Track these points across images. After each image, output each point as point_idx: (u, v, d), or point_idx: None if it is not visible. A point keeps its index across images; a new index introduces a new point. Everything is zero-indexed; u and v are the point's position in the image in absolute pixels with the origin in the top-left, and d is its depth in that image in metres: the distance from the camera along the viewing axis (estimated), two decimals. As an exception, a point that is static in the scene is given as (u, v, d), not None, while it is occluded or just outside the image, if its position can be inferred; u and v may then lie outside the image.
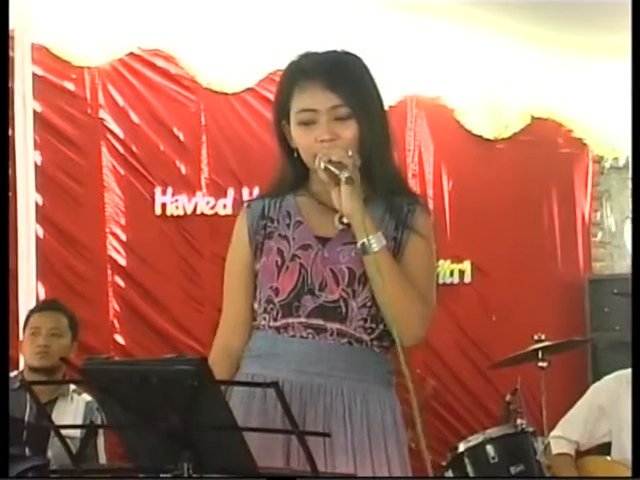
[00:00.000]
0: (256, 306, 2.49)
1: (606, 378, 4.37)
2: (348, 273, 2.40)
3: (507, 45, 6.45)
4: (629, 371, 4.06)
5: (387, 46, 5.87)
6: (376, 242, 2.35)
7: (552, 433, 4.29)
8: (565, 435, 4.19)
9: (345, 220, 2.42)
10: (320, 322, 2.40)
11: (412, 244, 2.44)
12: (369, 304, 2.41)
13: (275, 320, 2.44)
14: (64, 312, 4.33)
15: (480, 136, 6.75)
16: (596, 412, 4.11)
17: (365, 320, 2.41)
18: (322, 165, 2.36)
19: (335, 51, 2.50)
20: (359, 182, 2.38)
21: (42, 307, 4.40)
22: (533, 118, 6.90)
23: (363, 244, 2.35)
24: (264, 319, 2.47)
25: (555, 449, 4.20)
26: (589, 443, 4.31)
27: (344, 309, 2.40)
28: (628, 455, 3.92)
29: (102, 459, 3.94)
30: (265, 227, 2.50)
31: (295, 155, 2.49)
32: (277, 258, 2.45)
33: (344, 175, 2.33)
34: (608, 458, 4.32)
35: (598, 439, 4.28)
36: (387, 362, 2.49)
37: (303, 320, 2.41)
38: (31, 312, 4.36)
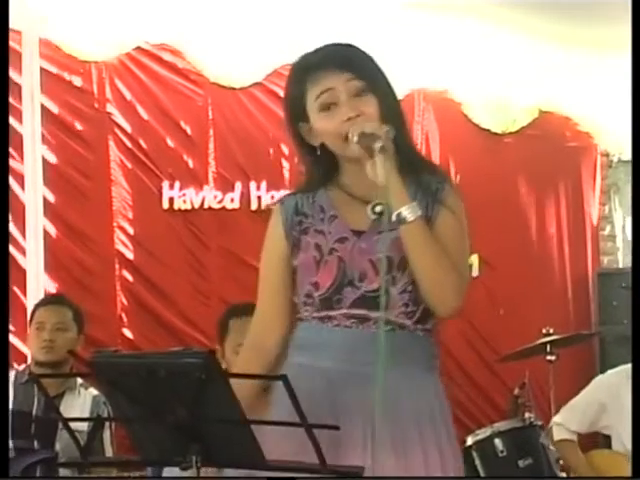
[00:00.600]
0: (296, 300, 2.51)
1: (609, 373, 4.36)
2: (387, 261, 2.40)
3: (514, 39, 6.44)
4: (630, 366, 4.07)
5: (394, 40, 5.86)
6: (411, 212, 2.36)
7: (554, 418, 4.29)
8: (565, 424, 4.20)
9: (377, 209, 2.43)
10: (363, 312, 2.42)
11: (442, 219, 2.45)
12: (409, 288, 2.42)
13: (318, 312, 2.46)
14: (69, 306, 4.32)
15: (487, 130, 6.74)
16: (596, 407, 4.11)
17: (406, 305, 2.43)
18: (355, 138, 2.37)
19: (334, 43, 2.52)
20: (393, 153, 2.38)
21: (46, 301, 4.39)
22: (541, 112, 6.89)
23: (399, 214, 2.36)
24: (306, 311, 2.49)
25: (556, 435, 4.21)
26: (589, 431, 4.31)
27: (385, 297, 2.40)
28: (629, 448, 3.92)
29: (108, 452, 3.94)
30: (300, 223, 2.51)
31: (318, 152, 2.50)
32: (315, 253, 2.46)
33: (378, 145, 2.33)
34: (610, 451, 4.32)
35: (598, 429, 4.28)
36: (431, 346, 2.51)
37: (346, 311, 2.43)
38: (36, 307, 4.35)
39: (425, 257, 2.37)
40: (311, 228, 2.49)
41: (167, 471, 3.41)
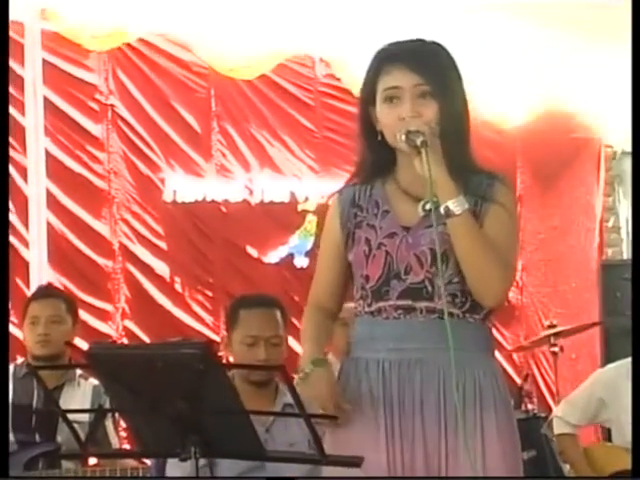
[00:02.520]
0: (354, 292, 2.59)
1: (608, 367, 4.33)
2: (430, 254, 2.48)
3: (520, 31, 6.41)
4: (629, 360, 4.05)
5: (396, 32, 5.82)
6: (458, 205, 2.42)
7: (554, 412, 4.27)
8: (565, 417, 4.17)
9: (428, 207, 2.48)
10: (409, 302, 2.49)
11: (491, 215, 2.50)
12: (455, 280, 2.49)
13: (369, 305, 2.54)
14: (61, 297, 4.24)
15: (492, 123, 6.70)
16: (595, 403, 4.08)
17: (454, 296, 2.49)
18: (402, 137, 2.44)
19: (420, 39, 2.61)
20: (439, 149, 2.45)
21: (39, 295, 4.28)
22: (545, 105, 6.85)
23: (446, 207, 2.43)
24: (360, 305, 2.57)
25: (557, 429, 4.19)
26: (589, 424, 4.30)
27: (430, 288, 2.48)
28: (629, 441, 3.91)
29: (113, 441, 3.92)
30: (355, 215, 2.59)
31: (379, 138, 2.55)
32: (365, 247, 2.54)
33: (419, 139, 2.40)
34: (610, 444, 4.29)
35: (599, 422, 4.26)
36: (481, 328, 2.55)
37: (393, 302, 2.51)
38: (29, 301, 4.28)
39: (471, 249, 2.44)
40: (364, 222, 2.57)
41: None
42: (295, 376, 2.46)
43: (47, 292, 4.26)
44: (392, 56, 2.54)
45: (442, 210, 2.43)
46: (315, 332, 2.60)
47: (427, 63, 2.53)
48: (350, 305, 2.63)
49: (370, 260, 2.52)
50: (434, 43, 2.60)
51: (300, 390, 2.39)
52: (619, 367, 4.13)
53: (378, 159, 2.59)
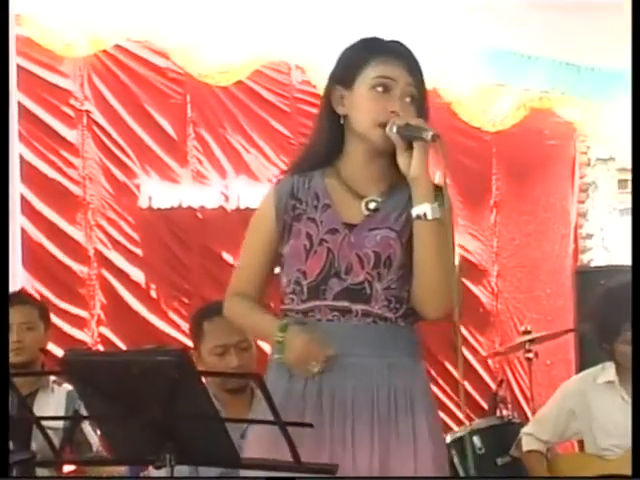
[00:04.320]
0: (284, 286, 2.56)
1: (574, 378, 4.35)
2: (374, 257, 2.49)
3: (501, 36, 6.43)
4: (596, 369, 4.08)
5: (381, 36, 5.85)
6: (432, 211, 2.45)
7: (524, 429, 4.29)
8: (535, 434, 4.18)
9: (371, 206, 2.51)
10: (345, 304, 2.49)
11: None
12: (394, 286, 2.50)
13: (303, 302, 2.52)
14: (33, 303, 4.21)
15: (468, 129, 6.73)
16: (565, 415, 4.09)
17: (390, 301, 2.50)
18: (395, 129, 2.45)
19: (409, 49, 2.62)
20: (427, 152, 2.46)
21: (11, 301, 4.26)
22: (520, 111, 6.88)
23: (420, 210, 2.45)
24: (292, 300, 2.54)
25: (526, 446, 4.20)
26: (560, 440, 4.31)
27: (368, 290, 2.49)
28: (602, 450, 3.94)
29: (93, 440, 3.89)
30: (294, 208, 2.57)
31: (342, 122, 2.55)
32: (306, 242, 2.53)
33: (429, 134, 2.42)
34: (578, 452, 4.32)
35: (569, 437, 4.28)
36: (413, 333, 2.57)
37: (329, 303, 2.50)
38: None
39: (432, 258, 2.46)
40: (304, 215, 2.55)
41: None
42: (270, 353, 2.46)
43: (19, 299, 4.22)
44: (389, 49, 2.56)
45: (415, 211, 2.45)
46: (256, 308, 2.58)
47: (417, 69, 2.57)
48: None
49: (311, 255, 2.51)
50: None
51: (285, 360, 2.40)
52: (586, 376, 4.16)
53: (329, 144, 2.58)
